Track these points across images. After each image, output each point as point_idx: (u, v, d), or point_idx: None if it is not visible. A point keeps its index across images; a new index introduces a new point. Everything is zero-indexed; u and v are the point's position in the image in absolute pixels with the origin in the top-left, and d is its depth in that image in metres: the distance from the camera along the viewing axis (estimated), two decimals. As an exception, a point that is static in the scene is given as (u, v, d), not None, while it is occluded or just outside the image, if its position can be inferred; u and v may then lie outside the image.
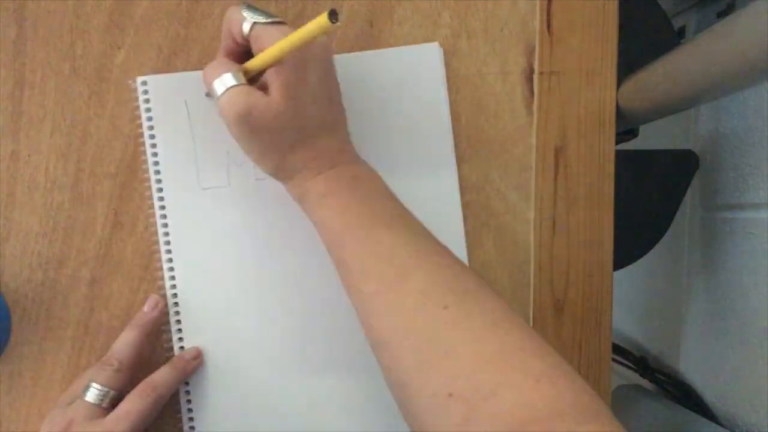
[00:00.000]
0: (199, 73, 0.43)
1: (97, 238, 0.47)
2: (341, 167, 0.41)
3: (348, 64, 0.47)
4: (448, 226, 0.49)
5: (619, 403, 0.76)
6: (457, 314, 0.35)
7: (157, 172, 0.47)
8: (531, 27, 0.49)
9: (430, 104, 0.48)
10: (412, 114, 0.48)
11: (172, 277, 0.47)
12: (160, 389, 0.44)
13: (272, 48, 0.38)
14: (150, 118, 0.46)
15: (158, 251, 0.47)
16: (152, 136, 0.47)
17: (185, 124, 0.47)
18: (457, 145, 0.49)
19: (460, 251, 0.49)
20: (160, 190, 0.47)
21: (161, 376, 0.44)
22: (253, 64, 0.40)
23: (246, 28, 0.39)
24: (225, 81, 0.39)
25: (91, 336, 0.47)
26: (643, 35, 0.64)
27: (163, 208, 0.47)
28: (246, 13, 0.40)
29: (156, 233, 0.47)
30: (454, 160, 0.49)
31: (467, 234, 0.49)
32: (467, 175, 0.49)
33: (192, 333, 0.47)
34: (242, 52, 0.42)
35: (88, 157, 0.47)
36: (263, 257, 0.48)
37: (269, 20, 0.39)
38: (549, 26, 0.49)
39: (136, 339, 0.45)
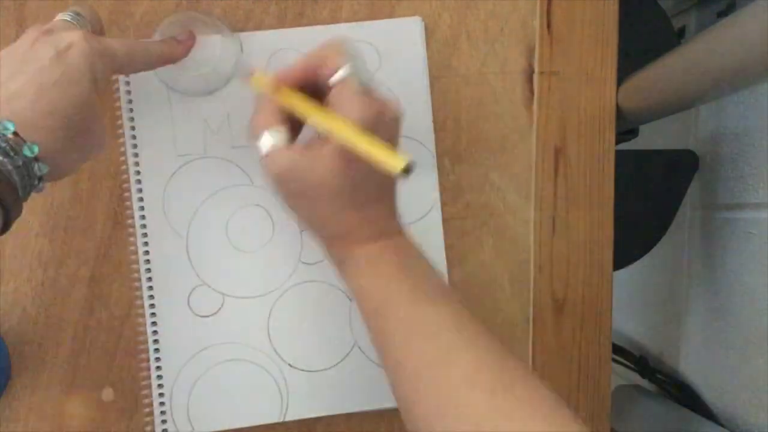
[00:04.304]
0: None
1: (97, 238, 0.47)
2: (387, 237, 0.40)
3: (328, 35, 0.47)
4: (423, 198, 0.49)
5: (619, 403, 0.76)
6: (505, 402, 0.33)
7: (133, 137, 0.47)
8: (531, 27, 0.49)
9: (410, 78, 0.48)
10: (392, 87, 0.48)
11: (146, 243, 0.47)
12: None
13: (342, 127, 0.36)
14: (128, 83, 0.46)
15: (132, 216, 0.47)
16: (130, 101, 0.47)
17: (164, 90, 0.47)
18: (457, 145, 0.49)
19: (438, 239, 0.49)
20: (136, 155, 0.47)
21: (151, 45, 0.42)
22: (317, 121, 0.37)
23: (339, 76, 0.37)
24: (274, 138, 0.38)
25: (91, 336, 0.47)
26: (643, 35, 0.64)
27: (138, 173, 0.47)
28: (350, 64, 0.37)
29: (130, 197, 0.47)
30: (432, 137, 0.49)
31: (467, 234, 0.49)
32: (467, 175, 0.49)
33: (164, 313, 0.47)
34: (299, 80, 0.39)
35: (88, 157, 0.47)
36: (238, 229, 0.48)
37: (366, 87, 0.37)
38: (549, 26, 0.49)
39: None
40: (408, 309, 0.38)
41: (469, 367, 0.35)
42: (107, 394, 0.46)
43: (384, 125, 0.37)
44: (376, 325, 0.39)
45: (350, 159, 0.36)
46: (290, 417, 0.48)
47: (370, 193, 0.39)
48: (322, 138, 0.37)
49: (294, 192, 0.39)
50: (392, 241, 0.40)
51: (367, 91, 0.37)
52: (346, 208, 0.38)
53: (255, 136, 0.38)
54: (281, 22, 0.48)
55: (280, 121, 0.38)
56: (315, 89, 0.39)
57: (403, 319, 0.38)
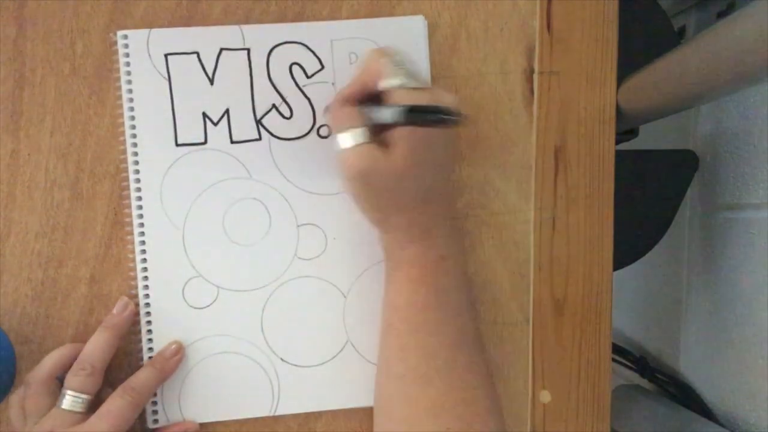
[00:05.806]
0: (181, 29, 0.46)
1: (97, 238, 0.47)
2: (433, 241, 0.42)
3: (331, 31, 0.47)
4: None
5: (619, 403, 0.76)
6: None
7: (133, 127, 0.47)
8: (531, 27, 0.49)
9: None
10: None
11: (142, 233, 0.47)
12: (140, 389, 0.44)
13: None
14: (129, 72, 0.46)
15: (129, 206, 0.47)
16: (130, 90, 0.46)
17: (164, 80, 0.47)
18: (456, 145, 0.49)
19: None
20: (135, 145, 0.47)
21: (141, 378, 0.44)
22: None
23: (388, 84, 0.40)
24: (357, 137, 0.40)
25: (90, 336, 0.47)
26: (643, 35, 0.64)
27: (136, 163, 0.47)
28: (394, 70, 0.40)
29: (128, 187, 0.47)
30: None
31: (467, 234, 0.49)
32: (467, 175, 0.49)
33: (159, 303, 0.47)
34: (366, 93, 0.42)
35: (88, 156, 0.47)
36: (235, 221, 0.48)
37: (415, 86, 0.39)
38: (549, 26, 0.49)
39: (107, 341, 0.45)
40: (422, 321, 0.42)
41: (440, 395, 0.40)
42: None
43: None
44: (389, 317, 0.44)
45: (419, 158, 0.39)
46: (281, 411, 0.48)
47: (433, 192, 0.42)
48: (396, 138, 0.39)
49: (365, 189, 0.41)
50: (436, 248, 0.42)
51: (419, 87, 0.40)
52: (408, 205, 0.41)
53: (345, 127, 0.40)
54: (281, 22, 0.48)
55: (360, 121, 0.41)
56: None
57: (414, 329, 0.42)
